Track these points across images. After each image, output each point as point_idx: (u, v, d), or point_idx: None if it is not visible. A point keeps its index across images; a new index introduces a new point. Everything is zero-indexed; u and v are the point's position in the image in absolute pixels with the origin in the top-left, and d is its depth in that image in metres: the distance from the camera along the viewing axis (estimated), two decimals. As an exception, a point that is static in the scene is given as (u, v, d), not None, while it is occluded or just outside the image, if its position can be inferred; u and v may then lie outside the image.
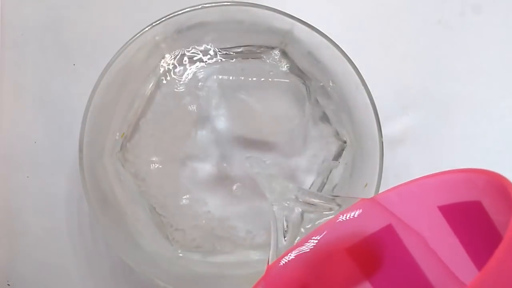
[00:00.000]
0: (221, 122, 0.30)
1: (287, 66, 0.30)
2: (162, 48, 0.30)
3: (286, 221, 0.24)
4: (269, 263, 0.22)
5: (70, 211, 0.32)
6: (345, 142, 0.30)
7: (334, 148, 0.31)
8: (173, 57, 0.30)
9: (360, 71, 0.27)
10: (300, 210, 0.24)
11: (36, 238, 0.32)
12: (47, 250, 0.32)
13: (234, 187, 0.30)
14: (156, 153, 0.30)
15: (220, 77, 0.30)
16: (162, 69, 0.30)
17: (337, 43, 0.27)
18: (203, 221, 0.30)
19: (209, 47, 0.30)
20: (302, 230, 0.25)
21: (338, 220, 0.21)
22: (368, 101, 0.27)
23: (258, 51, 0.30)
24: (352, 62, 0.27)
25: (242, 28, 0.29)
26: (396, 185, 0.30)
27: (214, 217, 0.30)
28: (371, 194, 0.27)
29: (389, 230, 0.21)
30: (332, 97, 0.30)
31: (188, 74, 0.30)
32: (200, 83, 0.30)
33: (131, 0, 0.33)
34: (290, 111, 0.30)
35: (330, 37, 0.27)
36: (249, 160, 0.27)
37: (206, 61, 0.30)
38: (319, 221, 0.24)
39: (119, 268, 0.31)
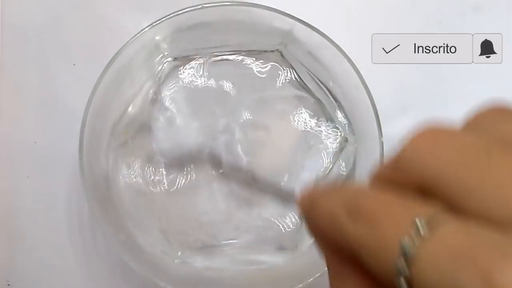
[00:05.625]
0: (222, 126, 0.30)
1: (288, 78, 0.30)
2: (162, 48, 0.30)
3: None
4: None
5: (70, 211, 0.32)
6: (346, 141, 0.30)
7: (334, 147, 0.31)
8: (173, 57, 0.30)
9: (360, 71, 0.27)
10: None
11: (36, 238, 0.32)
12: (47, 250, 0.32)
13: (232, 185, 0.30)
14: (157, 154, 0.30)
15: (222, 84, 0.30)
16: (162, 70, 0.30)
17: (337, 43, 0.27)
18: (204, 222, 0.30)
19: (208, 47, 0.30)
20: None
21: None
22: (368, 101, 0.27)
23: (256, 54, 0.30)
24: (352, 62, 0.27)
25: (242, 28, 0.29)
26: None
27: (215, 218, 0.30)
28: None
29: None
30: (331, 97, 0.30)
31: (188, 76, 0.30)
32: (200, 85, 0.30)
33: (131, 0, 0.32)
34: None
35: (330, 37, 0.27)
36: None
37: (205, 63, 0.31)
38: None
39: (119, 268, 0.31)
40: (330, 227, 0.14)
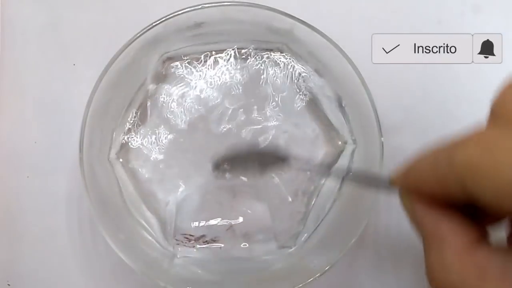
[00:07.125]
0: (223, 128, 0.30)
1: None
2: (162, 48, 0.30)
3: None
4: None
5: (70, 211, 0.32)
6: (345, 142, 0.30)
7: (334, 148, 0.31)
8: (173, 57, 0.30)
9: (360, 71, 0.27)
10: None
11: (36, 238, 0.32)
12: (47, 250, 0.32)
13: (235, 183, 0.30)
14: (156, 154, 0.30)
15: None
16: (162, 70, 0.30)
17: (337, 43, 0.27)
18: (203, 220, 0.30)
19: (208, 47, 0.30)
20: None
21: None
22: (368, 101, 0.27)
23: (256, 53, 0.30)
24: (352, 62, 0.27)
25: (242, 28, 0.29)
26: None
27: (215, 215, 0.30)
28: (371, 194, 0.27)
29: None
30: (331, 97, 0.30)
31: (187, 76, 0.30)
32: (201, 91, 0.30)
33: (131, 0, 0.33)
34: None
35: (330, 37, 0.27)
36: None
37: (205, 63, 0.31)
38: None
39: (119, 268, 0.31)
40: (433, 171, 0.14)
